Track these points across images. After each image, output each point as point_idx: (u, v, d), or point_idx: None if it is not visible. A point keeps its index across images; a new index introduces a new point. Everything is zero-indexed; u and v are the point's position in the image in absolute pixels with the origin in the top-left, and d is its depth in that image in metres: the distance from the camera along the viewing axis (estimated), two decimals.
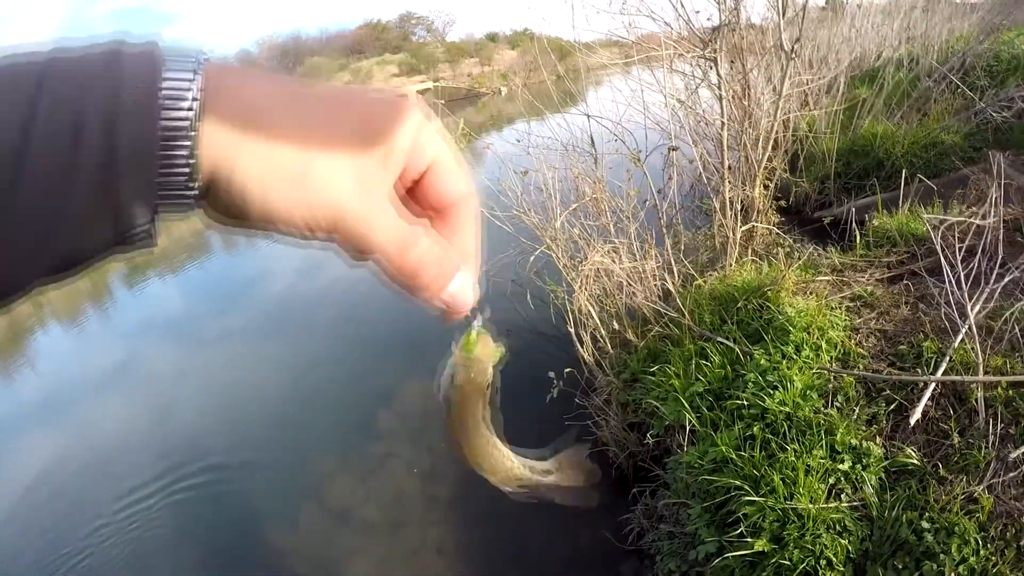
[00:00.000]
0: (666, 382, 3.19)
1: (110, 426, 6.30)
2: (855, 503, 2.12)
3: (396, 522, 3.88)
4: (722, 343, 3.11)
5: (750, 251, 4.05)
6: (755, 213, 4.17)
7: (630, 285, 3.90)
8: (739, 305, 3.30)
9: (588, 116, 4.26)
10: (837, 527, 2.08)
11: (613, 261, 3.88)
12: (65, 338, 9.72)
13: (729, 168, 4.06)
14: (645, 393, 3.35)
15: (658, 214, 4.13)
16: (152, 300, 10.71)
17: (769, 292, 3.20)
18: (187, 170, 0.34)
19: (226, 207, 0.37)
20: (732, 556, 2.17)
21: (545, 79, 4.75)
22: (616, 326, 3.92)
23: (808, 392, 2.54)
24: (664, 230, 4.08)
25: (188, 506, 4.86)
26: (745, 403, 2.63)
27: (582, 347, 3.90)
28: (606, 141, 4.31)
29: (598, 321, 3.87)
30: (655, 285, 3.94)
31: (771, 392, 2.58)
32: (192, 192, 0.35)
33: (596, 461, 3.00)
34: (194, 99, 0.34)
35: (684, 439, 2.84)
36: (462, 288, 0.43)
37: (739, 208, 3.98)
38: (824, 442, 2.31)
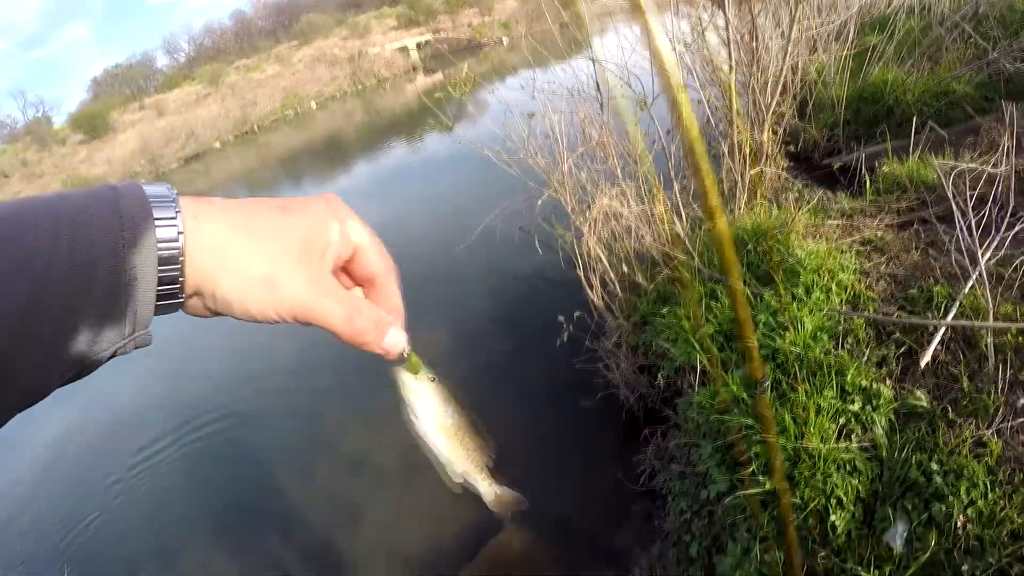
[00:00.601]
0: (676, 324, 3.20)
1: (124, 390, 6.51)
2: (865, 444, 2.14)
3: (410, 470, 3.95)
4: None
5: (759, 195, 4.00)
6: (764, 158, 4.10)
7: (639, 228, 3.88)
8: (749, 247, 3.28)
9: (593, 60, 4.17)
10: (848, 467, 2.11)
11: (622, 204, 3.85)
12: None
13: (737, 112, 3.98)
14: (655, 335, 3.37)
15: (666, 157, 4.07)
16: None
17: (779, 234, 3.17)
18: (178, 287, 0.46)
19: (210, 308, 0.50)
20: (743, 495, 2.21)
21: (548, 27, 4.65)
22: (625, 269, 3.92)
23: (819, 333, 2.54)
24: (672, 173, 4.02)
25: (200, 460, 5.02)
26: (756, 343, 2.63)
27: (591, 291, 3.91)
28: (612, 86, 4.24)
29: (607, 265, 3.87)
30: (664, 228, 3.92)
31: (782, 333, 2.59)
32: (180, 301, 0.48)
33: (606, 405, 3.04)
34: (180, 233, 0.45)
35: (695, 380, 2.86)
36: (395, 339, 0.58)
37: (747, 152, 3.91)
38: (835, 383, 2.33)
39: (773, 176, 4.16)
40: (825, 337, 2.53)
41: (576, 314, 3.78)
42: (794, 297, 2.77)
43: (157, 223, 0.44)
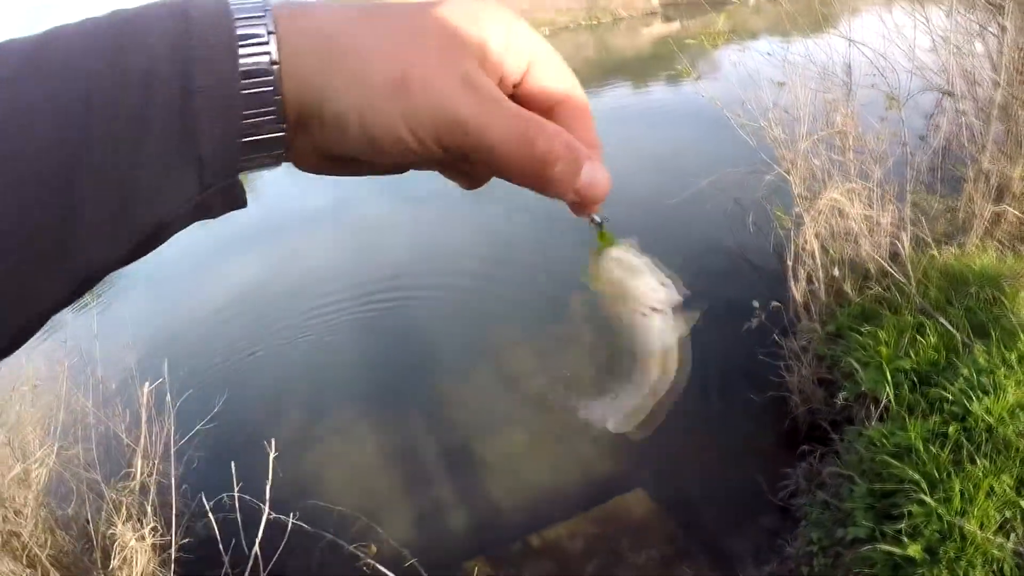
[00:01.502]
0: (873, 347, 3.14)
1: (313, 255, 7.08)
2: (1021, 548, 2.09)
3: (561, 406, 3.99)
4: (943, 325, 3.00)
5: (995, 236, 3.69)
6: (1010, 196, 3.73)
7: (859, 234, 3.75)
8: (972, 290, 3.12)
9: (850, 41, 3.95)
10: (994, 565, 2.04)
11: (850, 203, 3.73)
12: (288, 177, 10.95)
13: (993, 139, 3.65)
14: (847, 352, 3.33)
15: (908, 167, 3.83)
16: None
17: (1007, 286, 2.99)
18: (273, 108, 0.32)
19: (321, 146, 0.35)
20: (880, 548, 2.21)
21: None
22: (836, 273, 3.80)
23: (1018, 411, 2.44)
24: (910, 186, 3.79)
25: (367, 330, 5.40)
26: (950, 397, 2.59)
27: (795, 285, 3.82)
28: (863, 74, 3.99)
29: (818, 263, 3.76)
30: (885, 241, 3.77)
31: (980, 395, 2.52)
32: (281, 133, 0.33)
33: (773, 406, 3.06)
34: (270, 32, 0.32)
35: (875, 412, 2.84)
36: (595, 175, 0.37)
37: (994, 184, 3.60)
38: (1017, 471, 2.25)
39: (1016, 219, 3.80)
40: (1023, 417, 2.43)
41: (773, 304, 3.74)
42: (1004, 361, 2.64)
43: (238, 24, 0.31)
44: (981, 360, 2.67)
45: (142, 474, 2.89)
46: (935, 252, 3.56)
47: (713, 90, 4.32)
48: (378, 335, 5.38)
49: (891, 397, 2.80)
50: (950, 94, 4.01)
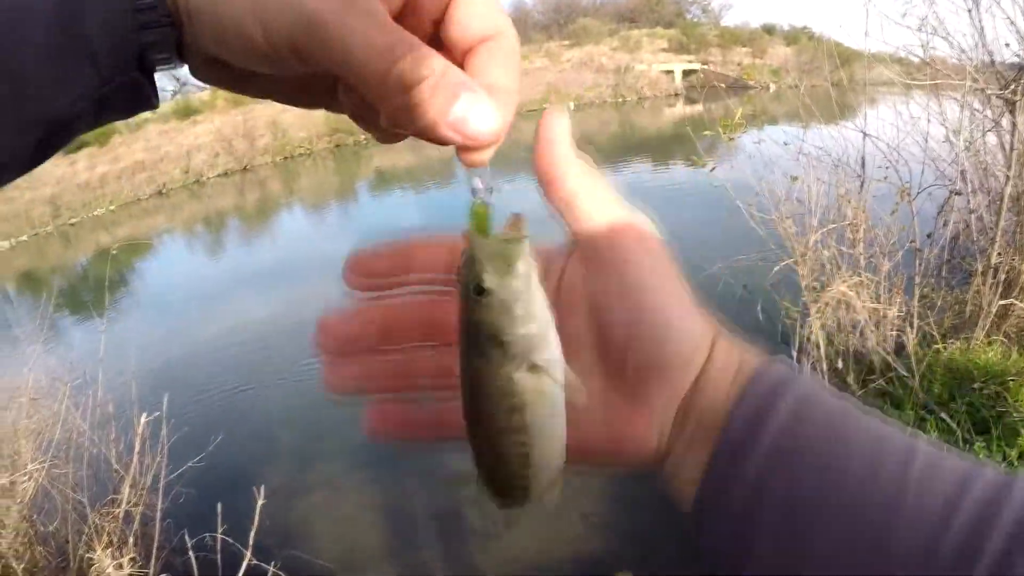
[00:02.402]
0: None
1: (319, 301, 7.18)
2: None
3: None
4: (945, 421, 2.98)
5: (1002, 331, 3.70)
6: (1018, 290, 3.77)
7: (865, 327, 3.77)
8: (975, 386, 3.12)
9: (864, 135, 4.06)
10: None
11: (857, 296, 3.76)
12: (306, 222, 11.09)
13: (1003, 231, 3.71)
14: None
15: (917, 260, 3.89)
16: (391, 209, 11.83)
17: (1011, 383, 2.99)
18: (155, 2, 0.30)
19: (193, 44, 0.32)
20: None
21: (822, 83, 4.54)
22: (840, 365, 3.82)
23: None
24: (918, 279, 3.83)
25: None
26: None
27: None
28: (876, 166, 4.09)
29: (822, 354, 3.79)
30: (891, 334, 3.78)
31: None
32: (167, 27, 0.31)
33: None
34: None
35: None
36: (474, 108, 0.30)
37: (1003, 278, 3.64)
38: None
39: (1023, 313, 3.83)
40: None
41: None
42: (1005, 458, 2.63)
43: None
44: (981, 457, 2.64)
45: (128, 503, 2.86)
46: (940, 346, 3.56)
47: (728, 176, 4.41)
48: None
49: None
50: (958, 193, 4.10)
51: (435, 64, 0.30)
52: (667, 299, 0.35)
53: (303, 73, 0.32)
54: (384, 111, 0.31)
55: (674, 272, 0.37)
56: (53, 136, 0.31)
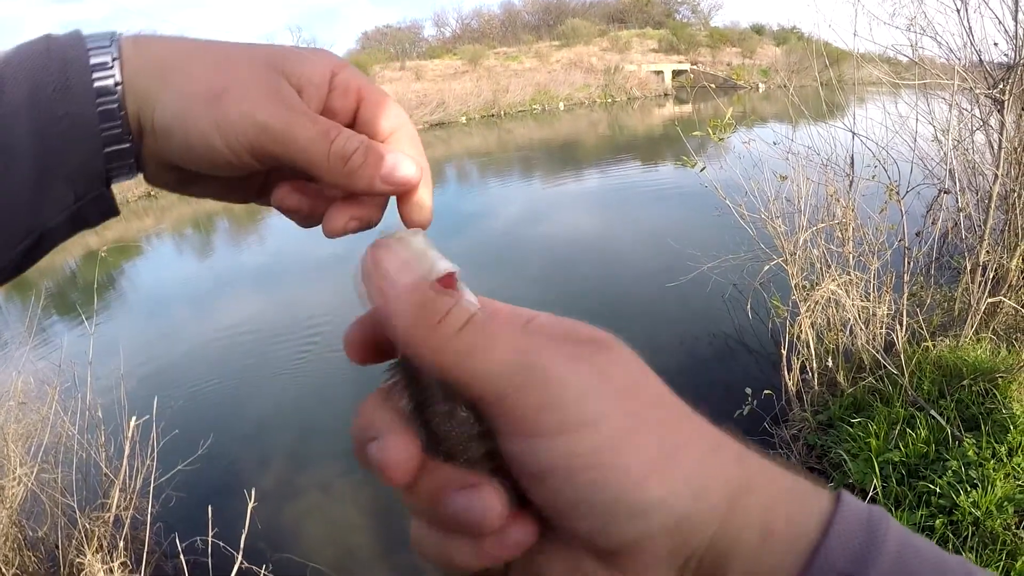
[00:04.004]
0: (863, 439, 3.15)
1: (309, 302, 7.04)
2: None
3: None
4: (934, 417, 3.01)
5: (991, 328, 3.73)
6: (1006, 287, 3.80)
7: (855, 324, 3.80)
8: (965, 383, 3.14)
9: (853, 134, 4.08)
10: None
11: (847, 294, 3.79)
12: (295, 226, 11.06)
13: (991, 230, 3.74)
14: (837, 442, 3.32)
15: (906, 258, 3.91)
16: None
17: (1000, 379, 3.01)
18: (119, 122, 0.36)
19: (157, 155, 0.38)
20: None
21: (811, 82, 4.56)
22: (829, 363, 3.84)
23: (1005, 504, 2.42)
24: (907, 277, 3.85)
25: (361, 380, 5.35)
26: (938, 490, 2.58)
27: (788, 374, 3.84)
28: (865, 165, 4.12)
29: (812, 352, 3.81)
30: (880, 332, 3.80)
31: (968, 488, 2.50)
32: (127, 144, 0.37)
33: None
34: (115, 59, 0.36)
35: None
36: (399, 163, 0.39)
37: (991, 276, 3.67)
38: (1001, 564, 2.22)
39: (1012, 311, 3.86)
40: (1011, 510, 2.39)
41: (765, 392, 3.75)
42: (994, 454, 2.64)
43: (91, 53, 0.36)
44: (970, 453, 2.66)
45: (118, 507, 2.84)
46: (929, 344, 3.59)
47: (718, 176, 4.43)
48: (372, 388, 5.33)
49: (879, 489, 2.78)
50: (947, 192, 4.13)
51: (360, 139, 0.39)
52: (609, 490, 0.27)
53: (247, 173, 0.40)
54: (332, 180, 0.39)
55: (651, 400, 0.30)
56: (36, 248, 0.37)
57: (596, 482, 0.27)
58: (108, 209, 0.40)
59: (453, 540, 0.29)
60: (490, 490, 0.28)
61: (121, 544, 2.71)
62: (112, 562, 2.55)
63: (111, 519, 2.81)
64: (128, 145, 0.37)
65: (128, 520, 2.86)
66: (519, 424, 0.28)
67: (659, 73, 31.04)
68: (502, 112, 30.00)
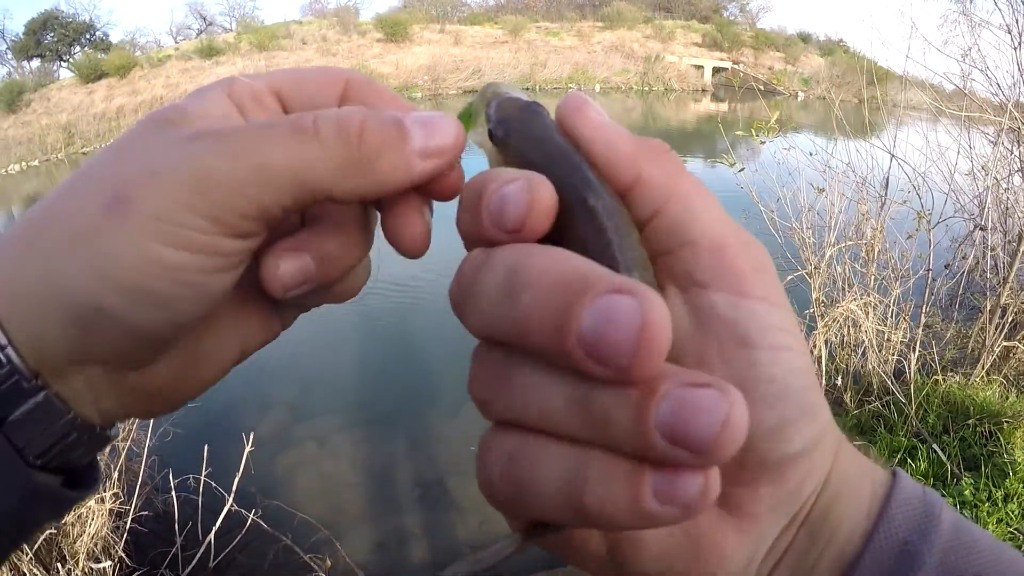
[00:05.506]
0: None
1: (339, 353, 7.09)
2: None
3: None
4: (936, 451, 2.99)
5: (1002, 371, 3.69)
6: (1023, 334, 3.76)
7: (868, 347, 3.76)
8: (970, 422, 3.12)
9: (892, 156, 4.02)
10: None
11: (864, 316, 3.75)
12: None
13: (1016, 273, 3.69)
14: None
15: (926, 289, 3.86)
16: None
17: (1005, 423, 2.99)
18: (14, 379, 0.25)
19: (113, 363, 0.28)
20: None
21: (852, 98, 4.49)
22: (838, 382, 3.82)
23: None
24: (926, 308, 3.81)
25: (369, 333, 5.36)
26: None
27: None
28: (899, 188, 4.06)
29: (823, 369, 3.78)
30: (892, 358, 3.77)
31: None
32: (41, 393, 0.26)
33: None
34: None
35: None
36: (429, 116, 0.28)
37: (1009, 320, 3.63)
38: None
39: None
40: None
41: None
42: (990, 497, 2.63)
43: None
44: (967, 492, 2.65)
45: (115, 436, 2.86)
46: (940, 377, 3.56)
47: (751, 180, 4.38)
48: (381, 344, 5.35)
49: None
50: (983, 228, 4.07)
51: (348, 109, 0.28)
52: (802, 378, 0.25)
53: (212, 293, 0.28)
54: (343, 191, 0.26)
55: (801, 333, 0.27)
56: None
57: (793, 367, 0.25)
58: (93, 479, 0.31)
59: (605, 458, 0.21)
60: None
61: (115, 474, 2.73)
62: (104, 492, 2.57)
63: (107, 448, 2.84)
64: (42, 393, 0.26)
65: (124, 451, 2.89)
66: (736, 280, 0.25)
67: (699, 68, 30.56)
68: (537, 87, 29.62)
